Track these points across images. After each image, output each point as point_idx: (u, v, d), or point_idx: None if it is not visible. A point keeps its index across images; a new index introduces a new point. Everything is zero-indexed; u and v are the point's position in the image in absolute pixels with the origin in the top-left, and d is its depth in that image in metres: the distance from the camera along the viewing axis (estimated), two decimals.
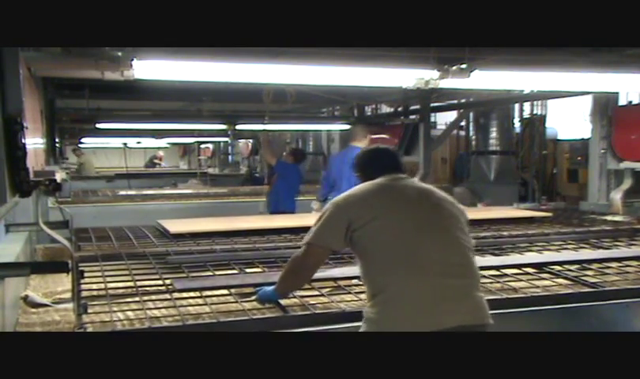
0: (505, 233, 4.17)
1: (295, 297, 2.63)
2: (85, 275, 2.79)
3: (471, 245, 2.18)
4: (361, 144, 5.69)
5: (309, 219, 4.57)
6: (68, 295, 2.82)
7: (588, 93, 5.77)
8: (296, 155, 7.03)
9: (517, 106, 8.62)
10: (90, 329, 2.20)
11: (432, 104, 7.36)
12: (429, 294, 1.99)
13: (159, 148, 15.90)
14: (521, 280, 2.97)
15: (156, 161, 16.12)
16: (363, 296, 2.65)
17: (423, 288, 2.00)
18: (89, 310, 2.39)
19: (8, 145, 2.01)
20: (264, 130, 7.67)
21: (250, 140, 14.08)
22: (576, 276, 3.00)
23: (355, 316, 2.34)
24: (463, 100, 7.89)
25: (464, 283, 2.06)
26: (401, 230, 2.07)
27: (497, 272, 3.09)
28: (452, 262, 2.07)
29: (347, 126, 8.57)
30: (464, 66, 3.36)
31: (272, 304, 2.51)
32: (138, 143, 12.59)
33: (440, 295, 2.00)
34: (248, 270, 3.16)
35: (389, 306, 2.01)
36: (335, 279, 2.92)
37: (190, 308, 2.49)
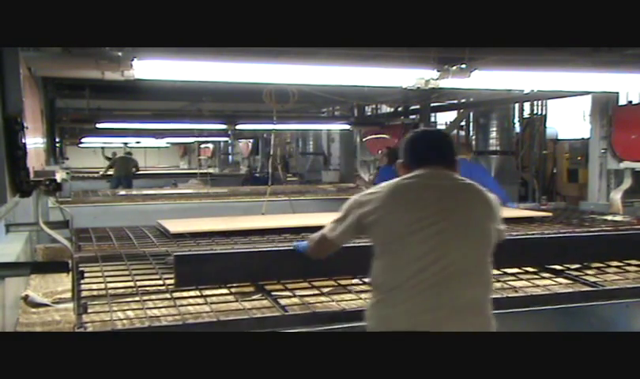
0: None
1: (295, 296, 2.63)
2: (85, 275, 2.79)
3: (489, 251, 2.04)
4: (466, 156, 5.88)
5: (309, 220, 4.58)
6: (68, 295, 2.82)
7: (588, 93, 5.77)
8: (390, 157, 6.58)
9: (517, 106, 8.61)
10: (90, 329, 2.20)
11: (432, 104, 7.37)
12: (418, 306, 1.92)
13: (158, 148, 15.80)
14: (521, 279, 2.96)
15: None
16: (364, 295, 2.65)
17: (412, 299, 1.93)
18: (89, 310, 2.39)
19: (8, 145, 2.01)
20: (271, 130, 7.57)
21: (251, 140, 14.08)
22: (576, 276, 3.00)
23: (356, 315, 2.34)
24: (463, 100, 7.89)
25: (467, 295, 1.96)
26: (400, 234, 1.98)
27: (497, 271, 3.09)
28: (456, 272, 1.95)
29: (347, 126, 8.60)
30: (464, 66, 3.36)
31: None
32: (138, 143, 12.62)
33: (433, 306, 1.91)
34: None
35: (379, 307, 2.03)
36: (335, 279, 2.92)
37: (189, 307, 2.49)
